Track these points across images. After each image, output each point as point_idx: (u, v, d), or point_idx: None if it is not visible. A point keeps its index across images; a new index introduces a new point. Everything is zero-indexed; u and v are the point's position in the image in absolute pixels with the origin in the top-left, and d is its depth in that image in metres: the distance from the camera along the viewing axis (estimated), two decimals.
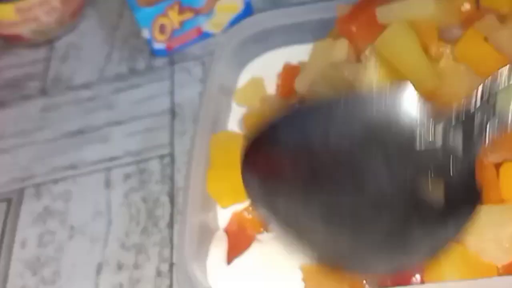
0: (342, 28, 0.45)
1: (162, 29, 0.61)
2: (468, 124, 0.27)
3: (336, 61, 0.42)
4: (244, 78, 0.51)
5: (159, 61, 0.62)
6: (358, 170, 0.27)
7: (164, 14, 0.60)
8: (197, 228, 0.41)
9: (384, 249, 0.26)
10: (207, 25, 0.63)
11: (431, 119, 0.28)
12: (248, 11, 0.64)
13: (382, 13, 0.44)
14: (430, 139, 0.27)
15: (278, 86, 0.48)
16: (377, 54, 0.42)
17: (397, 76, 0.41)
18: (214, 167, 0.43)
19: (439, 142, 0.28)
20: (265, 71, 0.50)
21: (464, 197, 0.27)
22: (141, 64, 0.62)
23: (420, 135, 0.28)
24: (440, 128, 0.28)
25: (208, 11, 0.62)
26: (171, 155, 0.54)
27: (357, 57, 0.43)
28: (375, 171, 0.27)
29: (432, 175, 0.27)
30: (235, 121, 0.48)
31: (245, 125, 0.46)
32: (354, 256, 0.26)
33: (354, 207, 0.27)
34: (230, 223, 0.44)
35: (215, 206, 0.45)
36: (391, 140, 0.28)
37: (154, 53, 0.62)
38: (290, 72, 0.47)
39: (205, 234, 0.43)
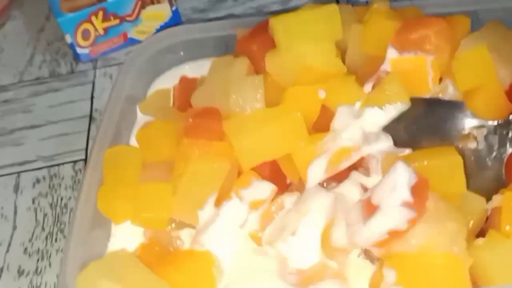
0: (242, 47, 0.45)
1: (85, 34, 0.60)
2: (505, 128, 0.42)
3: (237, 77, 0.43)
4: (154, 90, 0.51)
5: (82, 66, 0.62)
6: None
7: (88, 20, 0.60)
8: (83, 248, 0.40)
9: None
10: (133, 32, 0.63)
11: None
12: (175, 20, 0.64)
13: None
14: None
15: (174, 98, 0.48)
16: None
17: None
18: (106, 183, 0.43)
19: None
20: (174, 83, 0.50)
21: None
22: (63, 68, 0.62)
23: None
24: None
25: (134, 19, 0.62)
26: (85, 161, 0.54)
27: (256, 73, 0.44)
28: None
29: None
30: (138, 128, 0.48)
31: (138, 140, 0.46)
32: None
33: None
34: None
35: (108, 223, 0.44)
36: None
37: (78, 58, 0.61)
38: (185, 86, 0.47)
39: (97, 251, 0.42)
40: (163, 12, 0.63)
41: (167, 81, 0.50)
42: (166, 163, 0.42)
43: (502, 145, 0.43)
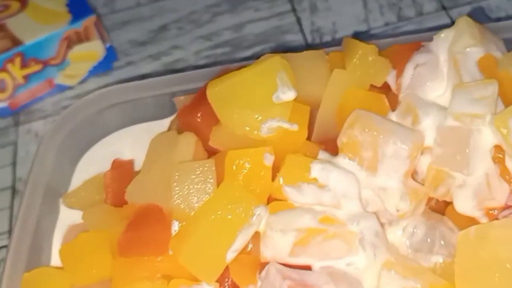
0: (185, 119, 0.36)
1: (1, 86, 0.50)
2: None
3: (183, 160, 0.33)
4: (77, 175, 0.41)
5: (0, 123, 0.52)
6: None
7: (3, 69, 0.50)
8: None
9: None
10: (60, 77, 0.53)
11: None
12: (110, 58, 0.54)
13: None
14: None
15: (106, 189, 0.37)
16: None
17: None
18: None
19: None
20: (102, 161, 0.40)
21: None
22: None
23: None
24: None
25: (60, 62, 0.52)
26: (8, 248, 0.44)
27: (205, 150, 0.35)
28: None
29: None
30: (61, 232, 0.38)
31: (62, 258, 0.35)
32: None
33: None
34: None
35: None
36: None
37: None
38: (119, 172, 0.37)
39: None
40: (95, 50, 0.53)
41: (95, 160, 0.40)
42: (101, 284, 0.33)
43: None
